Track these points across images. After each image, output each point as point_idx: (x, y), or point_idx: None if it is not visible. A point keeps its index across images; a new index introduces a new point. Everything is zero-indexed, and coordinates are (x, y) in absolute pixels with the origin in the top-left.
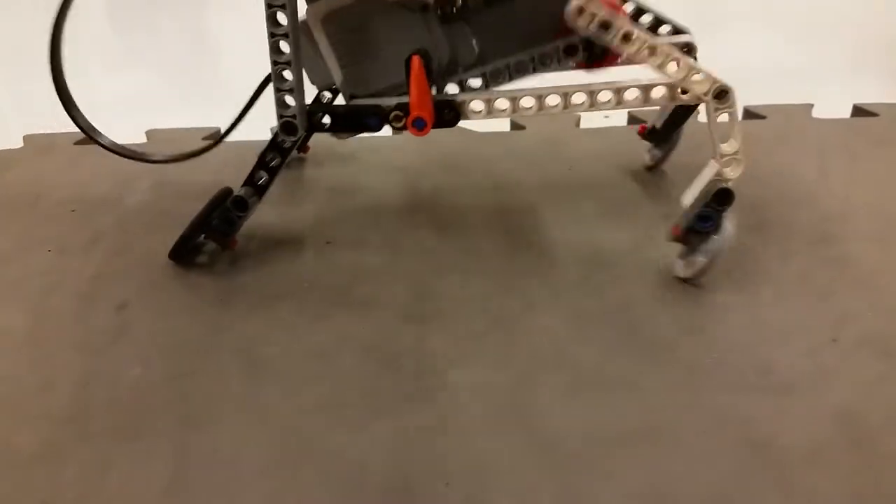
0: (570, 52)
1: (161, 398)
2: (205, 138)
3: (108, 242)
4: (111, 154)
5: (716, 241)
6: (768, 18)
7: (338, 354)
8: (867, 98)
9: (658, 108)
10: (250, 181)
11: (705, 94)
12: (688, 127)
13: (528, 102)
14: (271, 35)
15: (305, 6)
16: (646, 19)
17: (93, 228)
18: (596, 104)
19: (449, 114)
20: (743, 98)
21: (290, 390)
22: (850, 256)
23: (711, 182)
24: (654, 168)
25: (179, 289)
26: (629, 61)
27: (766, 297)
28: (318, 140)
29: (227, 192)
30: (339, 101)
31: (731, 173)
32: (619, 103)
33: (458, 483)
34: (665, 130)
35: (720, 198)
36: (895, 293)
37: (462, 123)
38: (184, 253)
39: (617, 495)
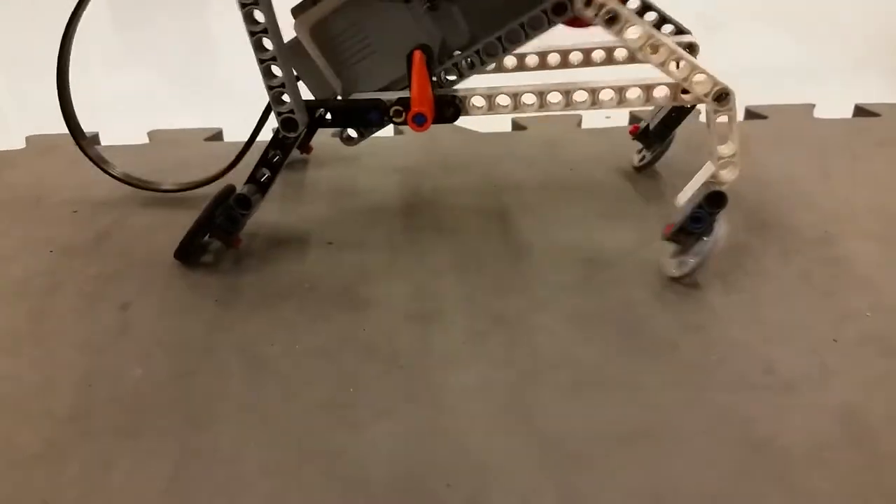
0: (559, 11)
1: (163, 398)
2: (206, 139)
3: (110, 243)
4: (112, 154)
5: (706, 242)
6: (770, 18)
7: (339, 354)
8: (869, 98)
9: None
10: (253, 178)
11: (706, 95)
12: (688, 127)
13: (529, 99)
14: (251, 33)
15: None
16: (649, 17)
17: (94, 229)
18: (598, 102)
19: (449, 109)
20: (744, 98)
21: (292, 390)
22: (851, 256)
23: (705, 184)
24: (641, 170)
25: (181, 289)
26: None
27: (766, 297)
28: (320, 141)
29: (230, 190)
30: None
31: (727, 176)
32: (621, 102)
33: (459, 483)
34: (657, 132)
35: (713, 201)
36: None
37: (463, 120)
38: (189, 252)
39: (618, 495)
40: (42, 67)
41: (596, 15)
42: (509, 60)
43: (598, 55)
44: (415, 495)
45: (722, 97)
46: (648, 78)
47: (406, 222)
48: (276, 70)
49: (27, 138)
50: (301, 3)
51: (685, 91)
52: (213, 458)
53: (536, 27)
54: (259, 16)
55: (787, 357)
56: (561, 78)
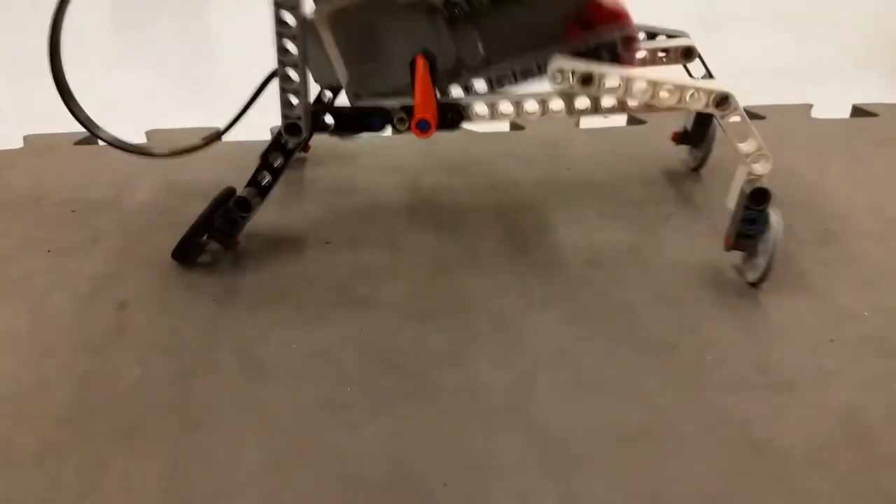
0: (576, 56)
1: (160, 398)
2: (204, 138)
3: (108, 243)
4: (111, 155)
5: (767, 240)
6: (768, 19)
7: (337, 354)
8: (866, 98)
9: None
10: (254, 182)
11: (706, 106)
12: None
13: (531, 106)
14: (278, 35)
15: (312, 4)
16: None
17: (92, 229)
18: (599, 109)
19: (453, 116)
20: (743, 98)
21: (290, 390)
22: (850, 256)
23: (745, 184)
24: (697, 169)
25: (179, 289)
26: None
27: (765, 297)
28: (318, 140)
29: (230, 193)
30: (340, 99)
31: (761, 169)
32: (623, 108)
33: (456, 482)
34: (697, 131)
35: (757, 198)
36: (894, 293)
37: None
38: (187, 253)
39: (616, 494)
40: (40, 68)
41: (570, 79)
42: None
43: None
44: (412, 494)
45: (722, 102)
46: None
47: (404, 221)
48: (293, 74)
49: (25, 138)
50: None
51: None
52: (211, 457)
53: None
54: (289, 18)
55: (785, 357)
56: None
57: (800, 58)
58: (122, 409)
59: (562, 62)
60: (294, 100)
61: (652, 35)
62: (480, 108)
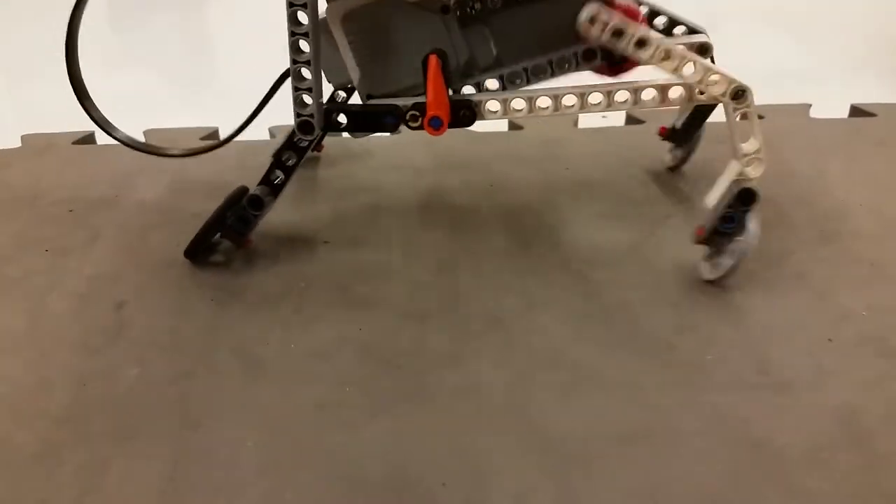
0: (588, 56)
1: (159, 398)
2: (202, 138)
3: (106, 242)
4: (109, 154)
5: (740, 241)
6: (766, 18)
7: (336, 354)
8: (865, 98)
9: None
10: (266, 180)
11: (723, 94)
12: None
13: (544, 103)
14: (292, 34)
15: (326, 4)
16: (660, 21)
17: (91, 228)
18: (613, 104)
19: (465, 113)
20: None
21: (289, 390)
22: (849, 255)
23: (734, 182)
24: (675, 168)
25: (177, 289)
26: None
27: (763, 296)
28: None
29: (242, 191)
30: (354, 99)
31: (753, 172)
32: (637, 103)
33: (455, 483)
34: (685, 130)
35: (743, 198)
36: (893, 292)
37: (478, 124)
38: (199, 251)
39: (615, 494)
40: (38, 67)
41: (602, 32)
42: None
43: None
44: (411, 494)
45: (739, 95)
46: (664, 79)
47: (403, 221)
48: (306, 73)
49: (23, 137)
50: None
51: (701, 91)
52: (210, 458)
53: (563, 68)
54: (303, 18)
55: (784, 356)
56: (576, 79)
57: (799, 57)
58: (121, 409)
59: (599, 8)
60: (307, 99)
61: (673, 23)
62: (493, 104)
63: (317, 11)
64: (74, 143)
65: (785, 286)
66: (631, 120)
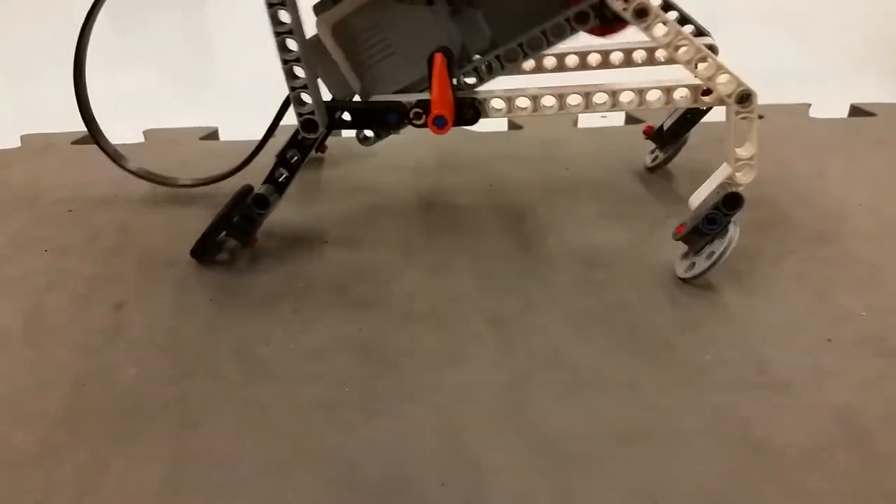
0: (581, 19)
1: (158, 398)
2: (202, 138)
3: (105, 242)
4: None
5: (718, 244)
6: (766, 18)
7: (335, 354)
8: (865, 98)
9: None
10: (271, 179)
11: (728, 96)
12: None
13: (549, 101)
14: (276, 34)
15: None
16: (671, 16)
17: (90, 228)
18: (618, 104)
19: (469, 112)
20: None
21: (288, 390)
22: (848, 256)
23: (722, 185)
24: (654, 170)
25: (176, 289)
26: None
27: (763, 296)
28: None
29: (247, 190)
30: None
31: (743, 178)
32: (641, 104)
33: (454, 483)
34: (671, 133)
35: (729, 202)
36: (892, 292)
37: (478, 123)
38: (205, 251)
39: (614, 495)
40: (38, 67)
41: (625, 9)
42: (527, 63)
43: (616, 57)
44: (410, 495)
45: (744, 98)
46: (668, 80)
47: (402, 221)
48: (298, 71)
49: (22, 137)
50: (321, 2)
51: (706, 93)
52: (209, 458)
53: (558, 34)
54: (285, 16)
55: (784, 356)
56: (582, 79)
57: (799, 57)
58: (120, 410)
59: None
60: (305, 97)
61: (683, 21)
62: (497, 102)
63: (296, 7)
64: (74, 143)
65: (784, 286)
66: (630, 120)
